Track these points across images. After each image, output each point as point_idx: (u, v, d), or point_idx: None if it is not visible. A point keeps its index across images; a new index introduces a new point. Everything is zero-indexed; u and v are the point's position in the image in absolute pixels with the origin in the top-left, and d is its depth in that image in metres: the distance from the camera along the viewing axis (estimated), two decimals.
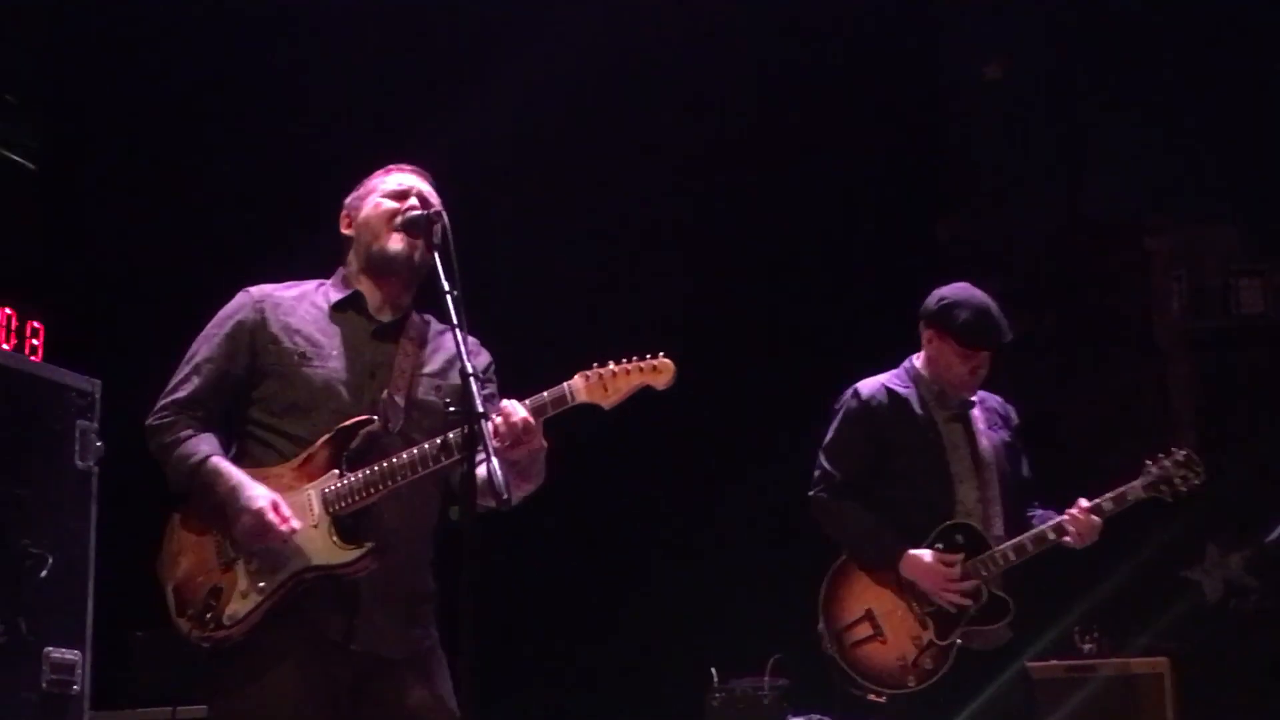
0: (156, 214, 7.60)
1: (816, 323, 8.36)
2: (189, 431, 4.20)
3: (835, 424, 5.74)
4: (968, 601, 5.39)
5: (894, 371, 5.76)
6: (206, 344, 4.30)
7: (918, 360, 5.72)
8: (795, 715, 6.54)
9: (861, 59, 8.45)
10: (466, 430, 3.74)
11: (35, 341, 6.22)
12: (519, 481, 4.07)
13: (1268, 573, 7.85)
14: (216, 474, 4.12)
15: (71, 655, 5.67)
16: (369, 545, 4.05)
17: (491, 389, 4.32)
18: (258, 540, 4.03)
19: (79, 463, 5.81)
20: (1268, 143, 8.27)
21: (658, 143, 8.20)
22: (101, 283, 7.50)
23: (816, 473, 5.71)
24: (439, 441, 4.03)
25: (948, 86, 8.78)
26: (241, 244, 7.26)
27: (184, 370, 4.28)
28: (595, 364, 4.06)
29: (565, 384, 4.05)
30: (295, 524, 4.03)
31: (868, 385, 5.73)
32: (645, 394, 4.07)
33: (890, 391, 5.67)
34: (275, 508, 4.03)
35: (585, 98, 8.08)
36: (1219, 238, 8.78)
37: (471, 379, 3.76)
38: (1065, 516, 5.43)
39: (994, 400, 5.80)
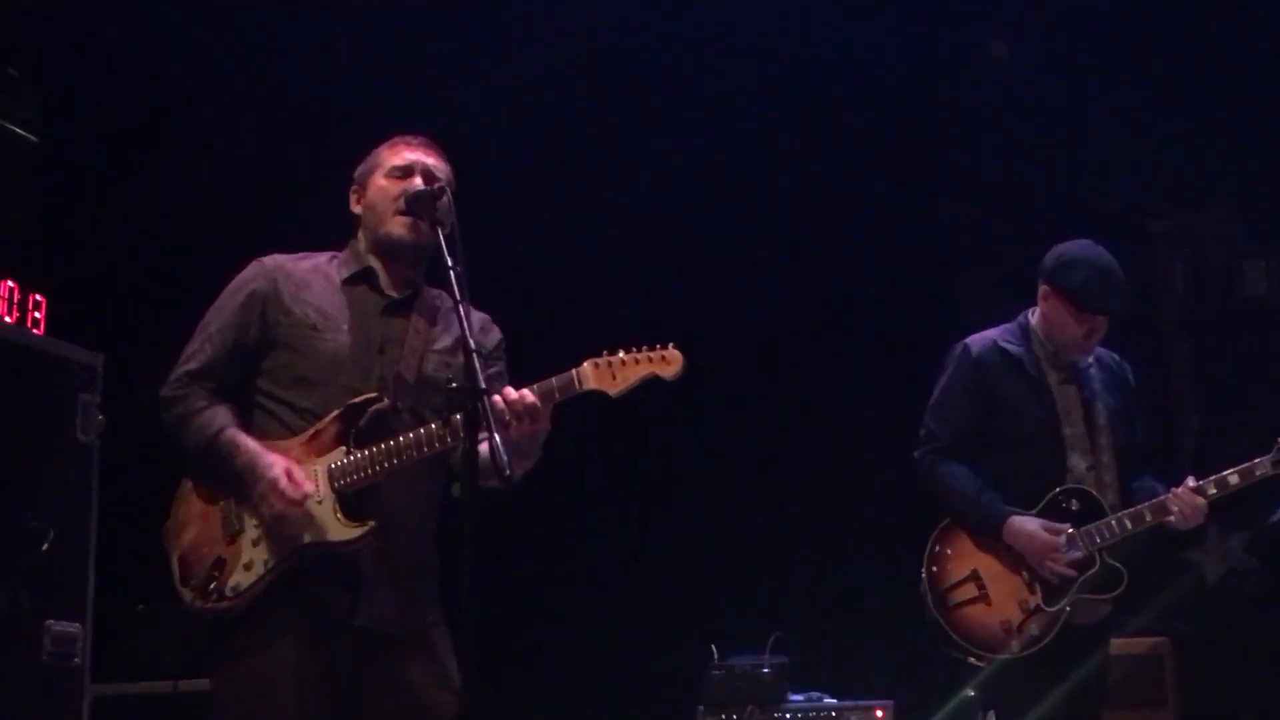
0: (159, 186, 7.59)
1: (819, 305, 8.37)
2: (203, 403, 4.20)
3: (942, 381, 5.53)
4: (1070, 573, 5.24)
5: (1006, 327, 5.56)
6: (219, 314, 4.30)
7: (1032, 316, 5.52)
8: (795, 693, 6.54)
9: (863, 40, 8.44)
10: (469, 406, 3.74)
11: (37, 315, 6.21)
12: (515, 460, 4.07)
13: (1268, 554, 7.86)
14: (234, 446, 4.13)
15: (73, 628, 5.67)
16: (371, 524, 4.05)
17: (499, 367, 4.33)
18: (274, 508, 4.03)
19: (81, 436, 5.81)
20: (1270, 125, 8.25)
21: (661, 120, 8.19)
22: (104, 256, 7.49)
23: (922, 432, 5.50)
24: (444, 422, 4.03)
25: (948, 69, 8.76)
26: (245, 216, 7.26)
27: (197, 340, 4.29)
28: (605, 351, 4.06)
29: (574, 370, 4.05)
30: (308, 487, 4.05)
31: (978, 341, 5.52)
32: (654, 384, 4.07)
33: (1001, 349, 5.47)
34: (289, 474, 4.04)
35: (587, 81, 8.08)
36: (1221, 220, 8.76)
37: (475, 355, 3.76)
38: (1169, 495, 5.30)
39: (1111, 359, 5.61)
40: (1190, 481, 5.31)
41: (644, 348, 4.06)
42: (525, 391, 4.01)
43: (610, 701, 7.52)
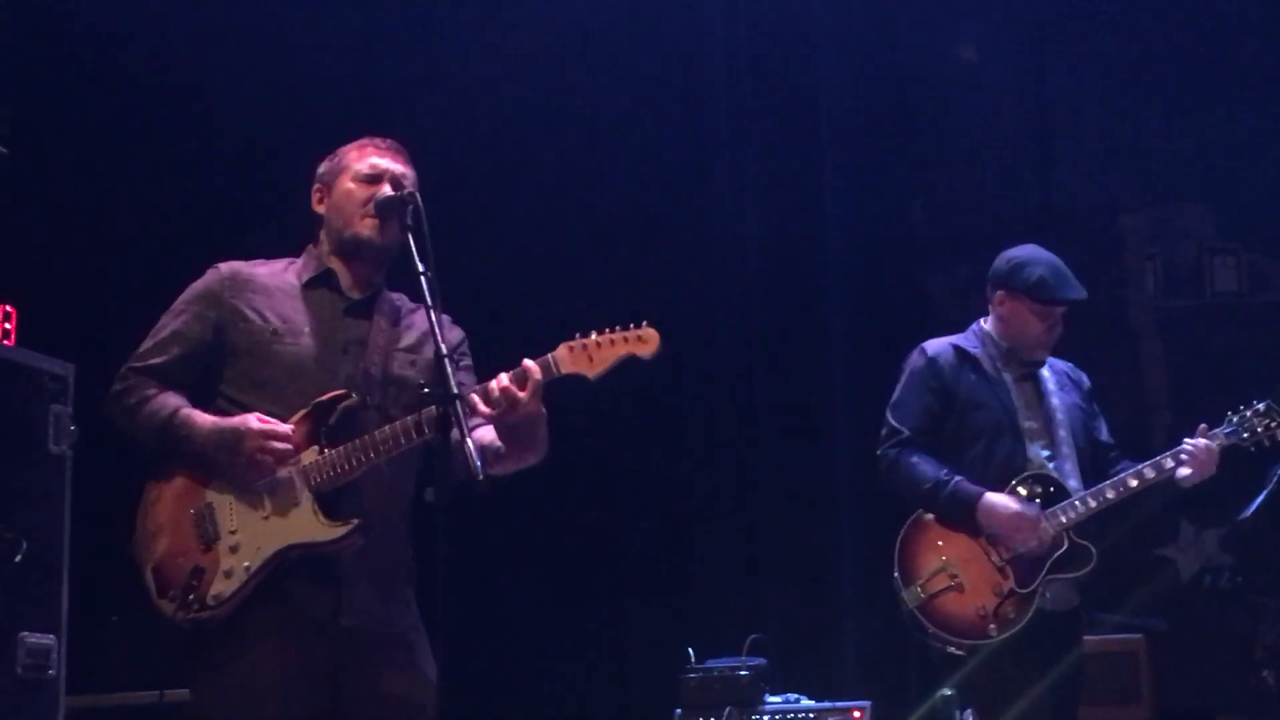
0: (130, 195, 7.56)
1: (791, 303, 8.37)
2: (153, 391, 4.20)
3: (901, 382, 5.70)
4: (1038, 545, 5.36)
5: (961, 334, 5.74)
6: (172, 318, 4.30)
7: (985, 324, 5.72)
8: (772, 695, 6.53)
9: (834, 38, 8.45)
10: (441, 412, 3.73)
11: (8, 325, 6.17)
12: (519, 452, 4.07)
13: (1242, 550, 7.88)
14: (190, 422, 4.12)
15: (47, 640, 5.62)
16: (355, 522, 4.03)
17: (465, 363, 4.32)
18: (272, 452, 4.01)
19: (53, 447, 5.77)
20: (1240, 122, 8.28)
21: (632, 111, 8.19)
22: (75, 265, 7.45)
23: (884, 430, 5.65)
24: (419, 416, 4.00)
25: (919, 67, 8.77)
26: (215, 225, 7.23)
27: (148, 343, 4.29)
28: (579, 334, 4.03)
29: (549, 355, 4.02)
30: (287, 426, 4.04)
31: (934, 344, 5.72)
32: (631, 366, 4.05)
33: (959, 349, 5.66)
34: (261, 419, 4.04)
35: (554, 71, 8.08)
36: (1192, 217, 8.80)
37: (446, 360, 3.75)
38: (1180, 447, 5.41)
39: (1063, 365, 5.79)
40: (1203, 427, 5.43)
41: (619, 328, 4.02)
42: (501, 378, 3.98)
43: (587, 704, 7.52)
